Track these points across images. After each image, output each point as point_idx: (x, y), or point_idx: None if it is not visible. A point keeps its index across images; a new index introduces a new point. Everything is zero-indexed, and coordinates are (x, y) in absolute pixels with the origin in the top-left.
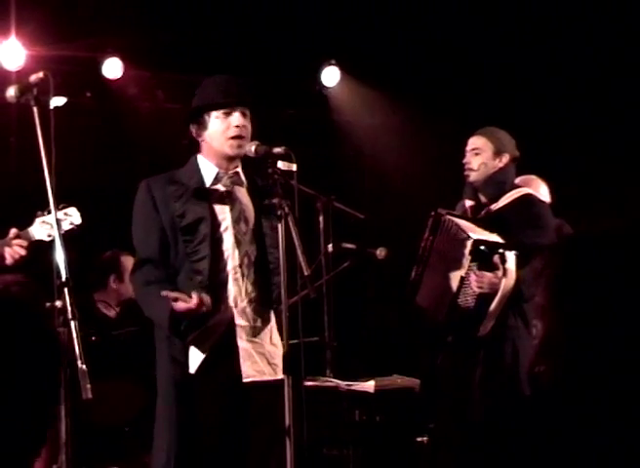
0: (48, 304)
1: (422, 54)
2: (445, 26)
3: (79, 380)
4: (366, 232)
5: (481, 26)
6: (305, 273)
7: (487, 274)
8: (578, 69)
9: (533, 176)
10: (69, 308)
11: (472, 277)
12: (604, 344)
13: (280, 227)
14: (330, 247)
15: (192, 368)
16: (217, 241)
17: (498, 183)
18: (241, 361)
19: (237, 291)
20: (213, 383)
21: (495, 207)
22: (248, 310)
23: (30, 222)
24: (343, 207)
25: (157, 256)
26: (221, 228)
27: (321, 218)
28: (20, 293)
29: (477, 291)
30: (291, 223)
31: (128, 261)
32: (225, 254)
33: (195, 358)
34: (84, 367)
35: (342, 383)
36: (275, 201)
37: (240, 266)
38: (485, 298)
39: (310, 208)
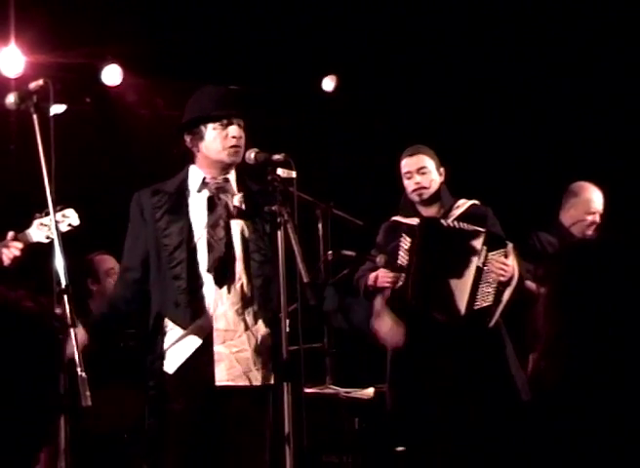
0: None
1: (423, 65)
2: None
3: (78, 388)
4: (365, 239)
5: (472, 38)
6: (305, 280)
7: (507, 261)
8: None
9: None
10: (69, 315)
11: (494, 265)
12: (607, 347)
13: (279, 234)
14: (329, 254)
15: (171, 369)
16: (193, 246)
17: (447, 196)
18: (215, 365)
19: (216, 295)
20: (185, 386)
21: (452, 216)
22: (229, 314)
23: (28, 225)
24: (343, 214)
25: (139, 265)
26: (197, 234)
27: (320, 225)
28: (34, 308)
29: (500, 279)
30: (290, 230)
31: (102, 261)
32: (200, 259)
33: (174, 361)
34: (83, 374)
35: (342, 390)
36: (275, 208)
37: (210, 271)
38: (499, 289)
39: (310, 215)
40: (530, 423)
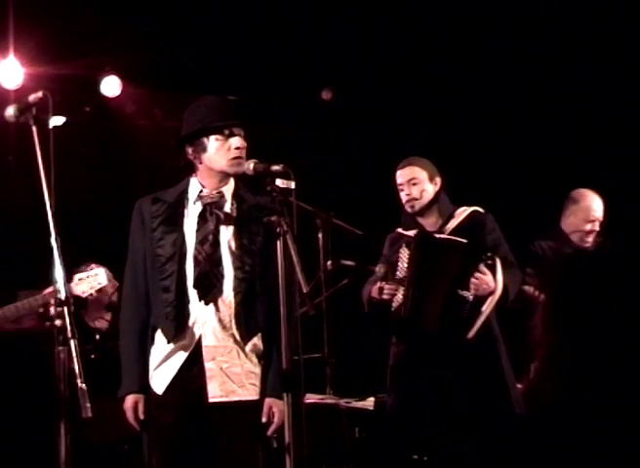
0: (47, 324)
1: (424, 74)
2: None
3: (78, 399)
4: (365, 249)
5: (473, 41)
6: (304, 290)
7: (482, 276)
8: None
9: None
10: (69, 327)
11: (472, 276)
12: (606, 357)
13: (279, 245)
14: (329, 264)
15: (160, 389)
16: (184, 260)
17: (446, 204)
18: (207, 381)
19: (202, 311)
20: (176, 402)
21: (450, 226)
22: (217, 330)
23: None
24: (343, 223)
25: (143, 279)
26: (189, 247)
27: (320, 235)
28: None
29: (474, 292)
30: (289, 241)
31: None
32: (189, 274)
33: (163, 379)
34: (84, 386)
35: (342, 400)
36: (274, 219)
37: (195, 287)
38: (476, 301)
39: (310, 225)
40: (528, 434)
